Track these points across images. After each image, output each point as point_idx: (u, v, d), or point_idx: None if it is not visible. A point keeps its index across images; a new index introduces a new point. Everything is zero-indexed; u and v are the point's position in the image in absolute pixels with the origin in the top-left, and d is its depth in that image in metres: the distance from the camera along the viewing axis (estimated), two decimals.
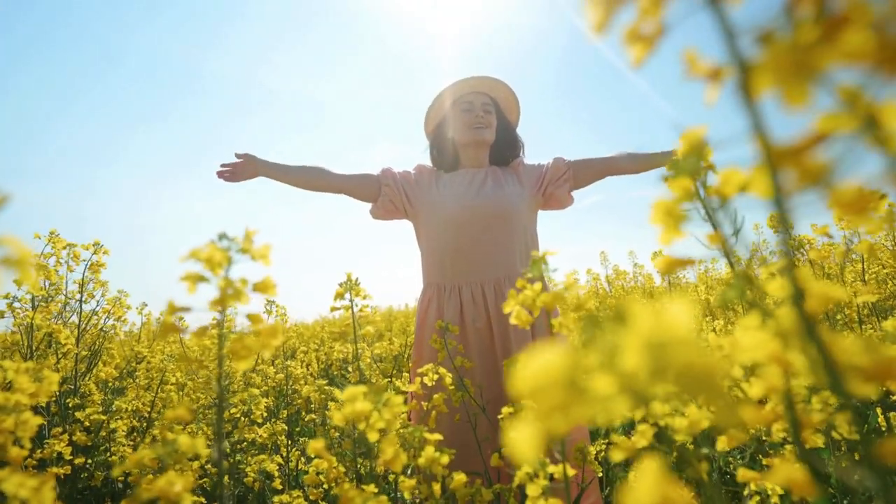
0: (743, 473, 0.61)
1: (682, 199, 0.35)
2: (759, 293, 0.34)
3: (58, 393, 1.75)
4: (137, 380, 2.18)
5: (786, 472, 0.33)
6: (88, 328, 2.15)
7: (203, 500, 0.97)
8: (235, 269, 0.54)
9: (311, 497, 1.11)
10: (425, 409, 1.30)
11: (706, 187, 0.36)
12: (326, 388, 1.50)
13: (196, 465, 1.07)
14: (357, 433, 0.62)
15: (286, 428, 1.68)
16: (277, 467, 1.46)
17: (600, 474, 1.62)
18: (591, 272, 5.30)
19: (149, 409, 1.83)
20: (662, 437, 0.47)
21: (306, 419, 1.86)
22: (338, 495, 0.59)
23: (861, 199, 0.24)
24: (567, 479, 0.62)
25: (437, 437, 0.82)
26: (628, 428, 1.88)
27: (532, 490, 0.68)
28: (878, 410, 1.43)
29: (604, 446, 1.60)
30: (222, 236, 0.55)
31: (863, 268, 2.40)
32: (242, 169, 1.81)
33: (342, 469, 0.98)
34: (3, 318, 1.79)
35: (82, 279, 1.94)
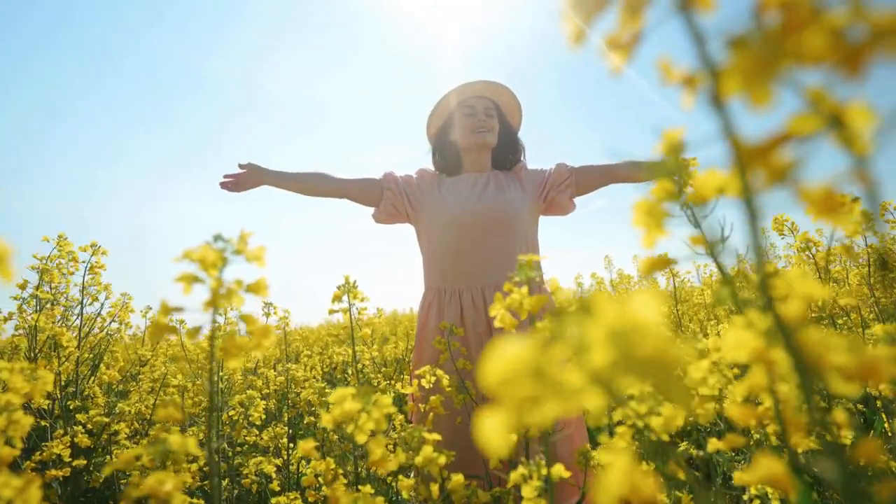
0: (739, 476, 0.61)
1: (663, 200, 0.35)
2: (749, 293, 0.34)
3: (60, 395, 1.76)
4: (141, 383, 2.20)
5: (766, 467, 0.33)
6: (94, 331, 2.17)
7: (202, 502, 0.97)
8: (232, 271, 0.55)
9: (309, 499, 1.11)
10: (423, 410, 1.30)
11: (686, 189, 0.36)
12: (327, 390, 1.51)
13: (195, 466, 1.07)
14: (346, 434, 0.62)
15: (287, 430, 1.69)
16: (276, 469, 1.46)
17: None
18: (596, 276, 5.29)
19: (150, 412, 1.84)
20: (641, 437, 0.47)
21: (306, 421, 1.86)
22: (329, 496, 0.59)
23: (829, 199, 0.24)
24: (551, 482, 0.62)
25: (436, 437, 0.82)
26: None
27: (527, 492, 0.68)
28: (883, 416, 1.42)
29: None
30: (217, 237, 0.55)
31: (869, 271, 2.38)
32: (246, 179, 1.83)
33: (340, 471, 0.99)
34: (11, 319, 1.81)
35: (83, 282, 1.95)
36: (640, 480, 0.19)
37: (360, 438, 0.62)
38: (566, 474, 0.68)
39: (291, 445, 1.76)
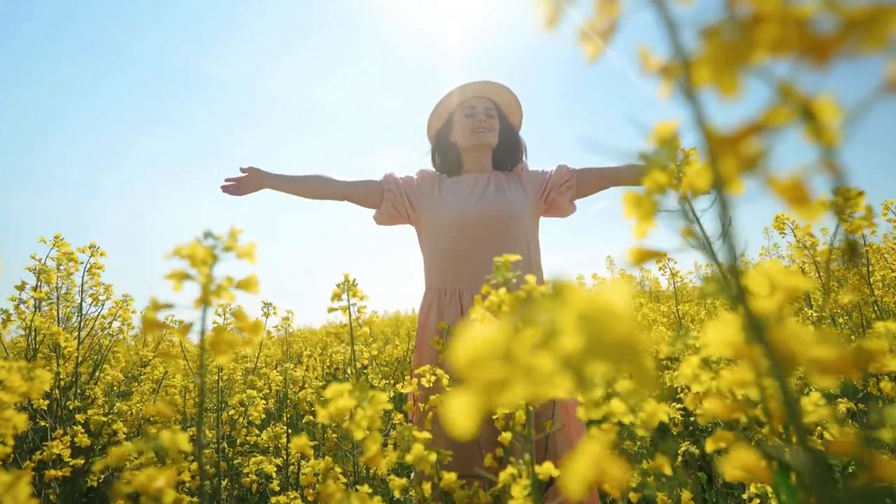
0: (731, 473, 0.61)
1: (654, 192, 0.35)
2: (737, 288, 0.34)
3: (60, 396, 1.77)
4: (142, 383, 2.20)
5: (743, 458, 0.33)
6: (95, 332, 2.17)
7: (195, 500, 0.97)
8: (225, 268, 0.55)
9: (308, 498, 1.11)
10: (422, 409, 1.30)
11: (679, 181, 0.36)
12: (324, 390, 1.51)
13: (195, 465, 1.08)
14: (343, 432, 0.62)
15: (287, 430, 1.69)
16: (276, 469, 1.46)
17: None
18: (597, 277, 5.29)
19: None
20: (627, 433, 0.47)
21: (305, 420, 1.86)
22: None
23: (798, 189, 0.24)
24: (537, 481, 0.62)
25: (426, 435, 0.82)
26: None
27: (516, 491, 0.67)
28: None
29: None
30: (207, 234, 0.55)
31: (867, 270, 2.37)
32: (247, 182, 1.84)
33: (338, 469, 0.99)
34: (9, 320, 1.82)
35: (82, 282, 1.96)
36: (609, 466, 0.20)
37: (357, 434, 0.62)
38: (556, 472, 0.68)
39: (299, 452, 1.75)
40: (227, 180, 1.84)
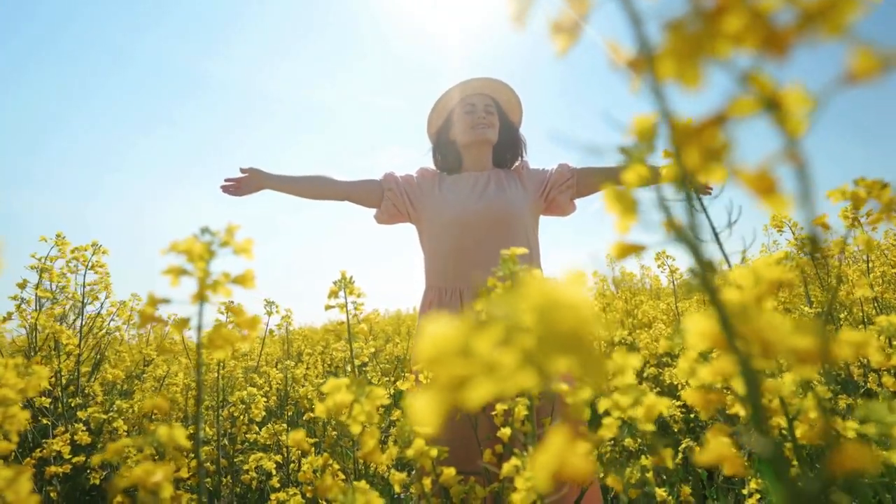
0: (702, 459, 0.61)
1: (634, 186, 0.35)
2: (704, 277, 0.34)
3: (61, 394, 1.78)
4: (144, 382, 2.21)
5: (716, 448, 0.33)
6: (94, 330, 2.18)
7: (193, 496, 0.98)
8: (223, 264, 0.55)
9: (307, 494, 1.11)
10: None
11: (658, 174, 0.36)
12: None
13: (195, 463, 1.08)
14: (342, 429, 0.62)
15: (287, 428, 1.69)
16: (276, 466, 1.47)
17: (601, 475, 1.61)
18: (598, 274, 5.28)
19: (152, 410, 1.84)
20: (629, 428, 0.47)
21: (305, 417, 1.87)
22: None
23: (765, 179, 0.24)
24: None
25: (428, 430, 0.82)
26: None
27: (520, 483, 0.68)
28: None
29: (609, 447, 1.59)
30: (204, 230, 0.55)
31: (867, 267, 2.37)
32: (247, 183, 1.84)
33: (336, 466, 0.99)
34: (10, 319, 1.83)
35: (83, 281, 1.97)
36: (574, 458, 0.20)
37: (354, 429, 0.62)
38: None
39: (295, 447, 1.76)
40: (226, 180, 1.85)
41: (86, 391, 2.00)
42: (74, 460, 1.35)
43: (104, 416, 1.57)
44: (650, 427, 0.51)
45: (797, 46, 0.22)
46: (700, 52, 0.22)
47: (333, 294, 1.16)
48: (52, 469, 1.29)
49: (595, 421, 0.60)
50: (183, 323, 0.53)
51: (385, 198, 1.89)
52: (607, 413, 0.52)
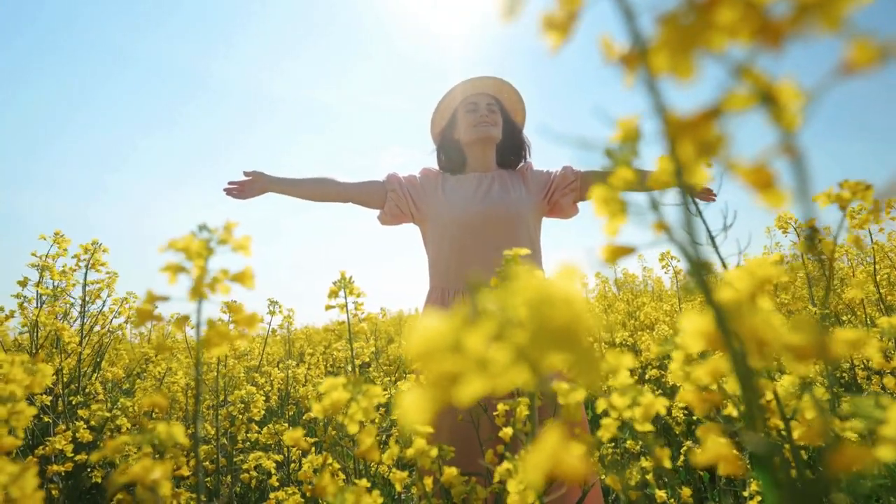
0: (700, 458, 0.61)
1: (620, 188, 0.35)
2: (698, 275, 0.34)
3: (63, 392, 1.78)
4: (145, 380, 2.21)
5: (714, 447, 0.32)
6: (96, 328, 2.18)
7: (194, 494, 0.98)
8: (222, 262, 0.55)
9: (307, 493, 1.11)
10: None
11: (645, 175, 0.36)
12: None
13: (194, 461, 1.08)
14: (342, 430, 0.62)
15: (287, 427, 1.69)
16: (276, 465, 1.47)
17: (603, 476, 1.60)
18: (600, 276, 5.27)
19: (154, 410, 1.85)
20: (626, 427, 0.47)
21: (305, 417, 1.87)
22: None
23: (762, 173, 0.24)
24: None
25: (428, 429, 0.82)
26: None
27: (512, 486, 0.67)
28: None
29: (611, 449, 1.58)
30: (202, 227, 0.56)
31: (874, 268, 2.36)
32: (250, 186, 1.84)
33: (337, 466, 0.99)
34: (12, 317, 1.83)
35: (84, 279, 1.97)
36: (568, 457, 0.19)
37: (352, 428, 0.62)
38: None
39: (294, 445, 1.76)
40: (230, 184, 1.85)
41: (87, 389, 2.00)
42: (76, 458, 1.35)
43: (107, 414, 1.57)
44: (648, 427, 0.50)
45: (792, 38, 0.22)
46: (693, 44, 0.22)
47: (333, 294, 1.16)
48: (54, 467, 1.30)
49: (595, 421, 0.60)
50: (183, 320, 0.53)
51: (388, 199, 1.89)
52: (606, 414, 0.51)
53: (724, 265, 0.78)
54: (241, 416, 1.48)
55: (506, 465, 0.67)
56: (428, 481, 0.86)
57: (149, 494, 0.51)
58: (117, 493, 0.53)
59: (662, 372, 2.49)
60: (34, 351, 1.76)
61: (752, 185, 0.24)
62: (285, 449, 1.73)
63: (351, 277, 1.16)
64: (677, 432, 1.88)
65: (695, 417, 2.08)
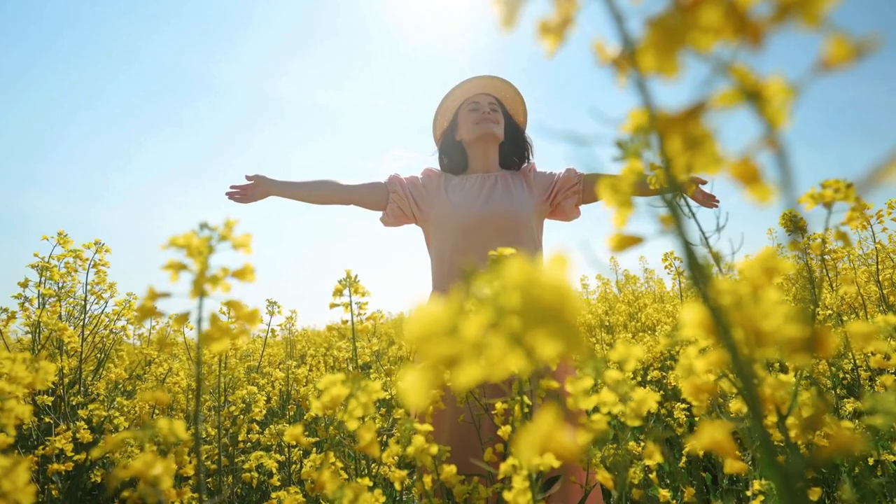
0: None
1: (630, 179, 0.36)
2: (693, 267, 0.34)
3: (64, 392, 1.79)
4: (147, 381, 2.21)
5: (710, 434, 0.33)
6: (98, 329, 2.19)
7: (196, 495, 0.98)
8: (222, 260, 0.56)
9: (309, 492, 1.11)
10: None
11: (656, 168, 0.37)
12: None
13: (195, 460, 1.08)
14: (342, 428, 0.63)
15: (288, 427, 1.69)
16: (277, 465, 1.47)
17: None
18: (602, 277, 5.28)
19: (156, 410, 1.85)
20: (618, 423, 0.47)
21: (306, 417, 1.87)
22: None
23: (748, 167, 0.24)
24: (535, 472, 0.62)
25: (428, 427, 0.82)
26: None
27: (517, 482, 0.67)
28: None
29: (612, 450, 1.58)
30: (203, 225, 0.56)
31: (877, 269, 2.36)
32: (253, 190, 1.84)
33: (339, 465, 0.99)
34: (14, 319, 1.84)
35: (86, 280, 1.97)
36: (560, 437, 0.20)
37: (351, 424, 0.63)
38: (556, 464, 0.68)
39: (294, 443, 1.76)
40: (232, 188, 1.85)
41: (89, 390, 2.01)
42: (76, 458, 1.35)
43: (105, 414, 1.57)
44: (637, 423, 0.50)
45: (772, 35, 0.22)
46: (678, 44, 0.23)
47: (338, 292, 1.16)
48: (55, 466, 1.30)
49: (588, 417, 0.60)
50: (184, 317, 0.53)
51: (390, 200, 1.89)
52: (597, 409, 0.52)
53: (718, 263, 0.78)
54: (242, 417, 1.48)
55: (510, 461, 0.67)
56: (427, 480, 0.86)
57: (150, 490, 0.51)
58: (120, 490, 0.53)
59: (664, 374, 2.49)
60: (36, 351, 1.76)
61: (738, 179, 0.25)
62: (286, 449, 1.73)
63: (356, 276, 1.16)
64: (679, 433, 1.88)
65: (697, 418, 2.08)
